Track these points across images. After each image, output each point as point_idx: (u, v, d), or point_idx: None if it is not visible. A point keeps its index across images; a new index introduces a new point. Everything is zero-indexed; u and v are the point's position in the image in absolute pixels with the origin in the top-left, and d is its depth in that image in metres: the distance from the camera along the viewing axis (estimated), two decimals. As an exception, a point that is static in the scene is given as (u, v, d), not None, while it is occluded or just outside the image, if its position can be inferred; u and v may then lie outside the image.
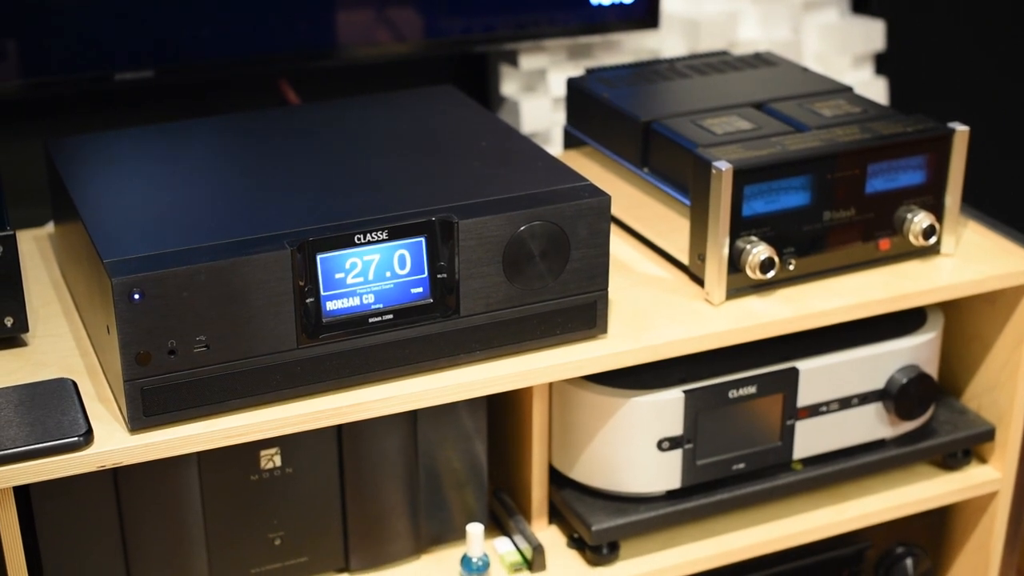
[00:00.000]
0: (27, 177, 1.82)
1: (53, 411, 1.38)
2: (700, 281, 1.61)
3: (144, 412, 1.36)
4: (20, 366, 1.49)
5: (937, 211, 1.67)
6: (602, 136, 1.79)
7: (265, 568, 1.56)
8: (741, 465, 1.64)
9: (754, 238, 1.58)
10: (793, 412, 1.64)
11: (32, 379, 1.45)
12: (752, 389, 1.61)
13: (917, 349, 1.69)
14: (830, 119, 1.68)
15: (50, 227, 1.82)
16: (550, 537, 1.66)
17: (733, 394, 1.60)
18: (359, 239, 1.39)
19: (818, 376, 1.64)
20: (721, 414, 1.61)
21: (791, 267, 1.61)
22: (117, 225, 1.42)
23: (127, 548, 1.48)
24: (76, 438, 1.34)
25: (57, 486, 1.42)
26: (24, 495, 1.43)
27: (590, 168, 1.80)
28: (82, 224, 1.43)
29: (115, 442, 1.36)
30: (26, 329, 1.51)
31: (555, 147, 2.07)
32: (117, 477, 1.44)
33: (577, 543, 1.64)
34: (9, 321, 1.49)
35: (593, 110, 1.80)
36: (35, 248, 1.77)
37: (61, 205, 1.59)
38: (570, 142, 1.87)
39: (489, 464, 1.63)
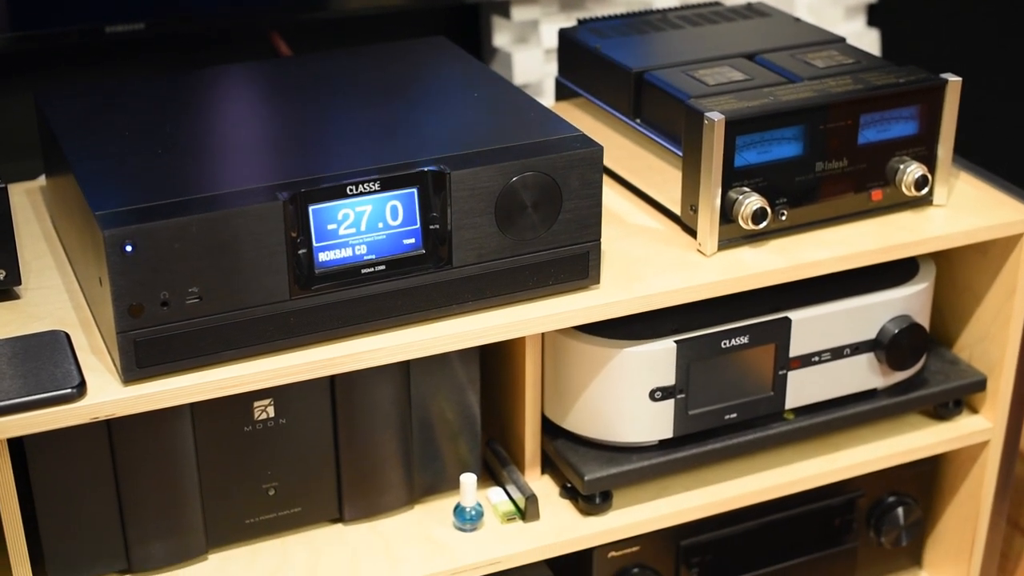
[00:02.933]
0: (18, 131, 1.81)
1: (46, 363, 1.38)
2: (692, 232, 1.61)
3: (137, 364, 1.36)
4: (12, 319, 1.49)
5: (929, 162, 1.67)
6: (594, 87, 1.79)
7: (259, 518, 1.56)
8: (733, 415, 1.65)
9: (746, 189, 1.58)
10: (785, 362, 1.65)
11: (25, 331, 1.45)
12: (744, 339, 1.61)
13: (909, 299, 1.69)
14: (822, 70, 1.68)
15: (42, 180, 1.81)
16: (543, 487, 1.66)
17: (725, 344, 1.61)
18: (351, 190, 1.39)
19: (810, 326, 1.64)
20: (713, 364, 1.61)
21: (783, 218, 1.61)
22: (108, 177, 1.42)
23: (121, 499, 1.48)
24: (69, 390, 1.34)
25: (51, 438, 1.42)
26: (18, 447, 1.43)
27: (582, 119, 1.80)
28: (73, 177, 1.43)
29: (108, 394, 1.36)
30: (18, 282, 1.51)
31: (547, 98, 2.07)
32: (111, 429, 1.45)
33: (570, 492, 1.65)
34: (1, 274, 1.49)
35: (585, 61, 1.80)
36: (27, 201, 1.77)
37: (52, 158, 1.59)
38: (562, 93, 1.87)
39: (482, 414, 1.63)
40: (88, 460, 1.46)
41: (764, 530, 1.79)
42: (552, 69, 2.09)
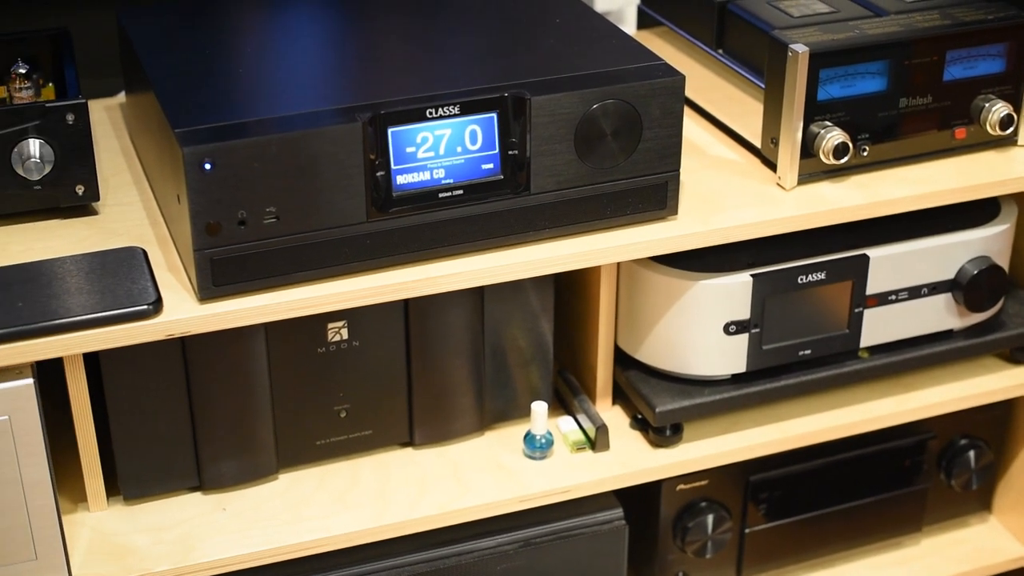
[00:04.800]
0: (99, 47, 1.81)
1: (123, 279, 1.39)
2: (772, 165, 1.60)
3: (213, 282, 1.36)
4: (91, 234, 1.50)
5: (1016, 101, 1.64)
6: (676, 16, 1.77)
7: (330, 440, 1.57)
8: (807, 351, 1.64)
9: (828, 123, 1.56)
10: (862, 300, 1.63)
11: (102, 247, 1.46)
12: (821, 275, 1.60)
13: (989, 240, 1.67)
14: (910, 4, 1.65)
15: (121, 97, 1.82)
16: (613, 417, 1.66)
17: (802, 280, 1.59)
18: (431, 113, 1.38)
19: (888, 264, 1.63)
20: (789, 299, 1.60)
21: (865, 153, 1.59)
22: (189, 95, 1.42)
23: (194, 417, 1.49)
24: (146, 306, 1.35)
25: (126, 354, 1.43)
26: (94, 363, 1.44)
27: (664, 48, 1.78)
28: (153, 94, 1.43)
29: (184, 311, 1.37)
30: (97, 198, 1.52)
31: (629, 27, 2.05)
32: (185, 346, 1.45)
33: (640, 424, 1.64)
34: (80, 189, 1.50)
35: (668, -10, 1.79)
36: (106, 118, 1.77)
37: (132, 75, 1.59)
38: (644, 22, 1.85)
39: (554, 343, 1.63)
40: (162, 377, 1.47)
41: (833, 468, 1.78)
42: (634, -3, 2.07)
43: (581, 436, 1.63)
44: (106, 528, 1.50)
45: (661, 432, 1.62)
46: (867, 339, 1.66)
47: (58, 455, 1.42)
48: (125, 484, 1.51)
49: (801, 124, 1.54)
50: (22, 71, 1.57)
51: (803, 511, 1.80)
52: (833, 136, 1.54)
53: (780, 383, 1.64)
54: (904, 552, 1.92)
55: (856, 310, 1.63)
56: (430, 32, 1.58)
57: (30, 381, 1.35)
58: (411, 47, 1.54)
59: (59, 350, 1.34)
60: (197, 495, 1.54)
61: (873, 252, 1.62)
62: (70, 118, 1.47)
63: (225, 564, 1.47)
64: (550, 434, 1.60)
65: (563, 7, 1.65)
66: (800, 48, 1.51)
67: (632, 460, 1.61)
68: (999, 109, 1.61)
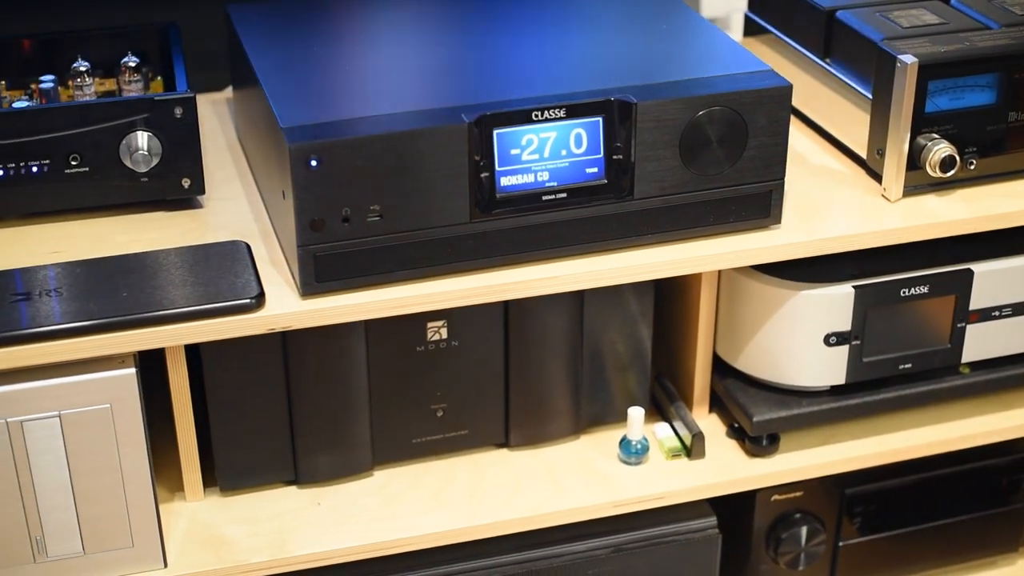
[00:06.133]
0: (206, 42, 1.83)
1: (226, 272, 1.40)
2: (877, 176, 1.58)
3: (316, 278, 1.37)
4: (195, 227, 1.51)
5: None
6: (783, 24, 1.76)
7: (426, 439, 1.57)
8: (908, 365, 1.62)
9: (935, 135, 1.54)
10: (964, 315, 1.61)
11: (206, 240, 1.47)
12: (924, 289, 1.58)
13: (1097, 257, 1.65)
14: (1020, 16, 1.63)
15: (227, 92, 1.83)
16: (709, 425, 1.65)
17: (904, 292, 1.58)
18: (536, 116, 1.38)
19: (993, 279, 1.61)
20: (891, 312, 1.59)
21: (972, 167, 1.57)
22: (296, 92, 1.43)
23: (292, 411, 1.50)
24: (248, 300, 1.36)
25: (227, 347, 1.44)
26: (195, 355, 1.45)
27: (770, 56, 1.77)
28: (261, 90, 1.44)
29: (286, 306, 1.38)
30: (202, 191, 1.53)
31: (735, 33, 2.04)
32: (286, 341, 1.46)
33: (737, 433, 1.64)
34: (186, 182, 1.52)
35: (776, -3, 1.78)
36: (212, 112, 1.79)
37: (240, 70, 1.60)
38: (750, 29, 1.84)
39: (652, 348, 1.62)
40: (262, 371, 1.48)
41: (930, 484, 1.77)
42: (740, 3, 2.05)
43: (677, 443, 1.62)
44: (202, 518, 1.51)
45: (758, 442, 1.61)
46: (968, 355, 1.64)
47: (156, 445, 1.44)
48: (222, 475, 1.52)
49: (908, 136, 1.53)
50: (132, 64, 1.60)
51: (898, 526, 1.78)
52: (940, 149, 1.53)
53: (879, 396, 1.63)
54: (1000, 572, 1.89)
55: (959, 325, 1.62)
56: (536, 33, 1.58)
57: (132, 371, 1.36)
58: (516, 48, 1.54)
59: (162, 341, 1.35)
60: (292, 488, 1.55)
61: (978, 267, 1.60)
62: (178, 112, 1.48)
63: (319, 558, 1.48)
64: (646, 440, 1.60)
65: (670, 12, 1.64)
66: (909, 59, 1.50)
67: (727, 469, 1.60)
68: (1111, 125, 1.59)
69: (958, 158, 1.53)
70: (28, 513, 1.39)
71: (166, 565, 1.46)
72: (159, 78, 1.65)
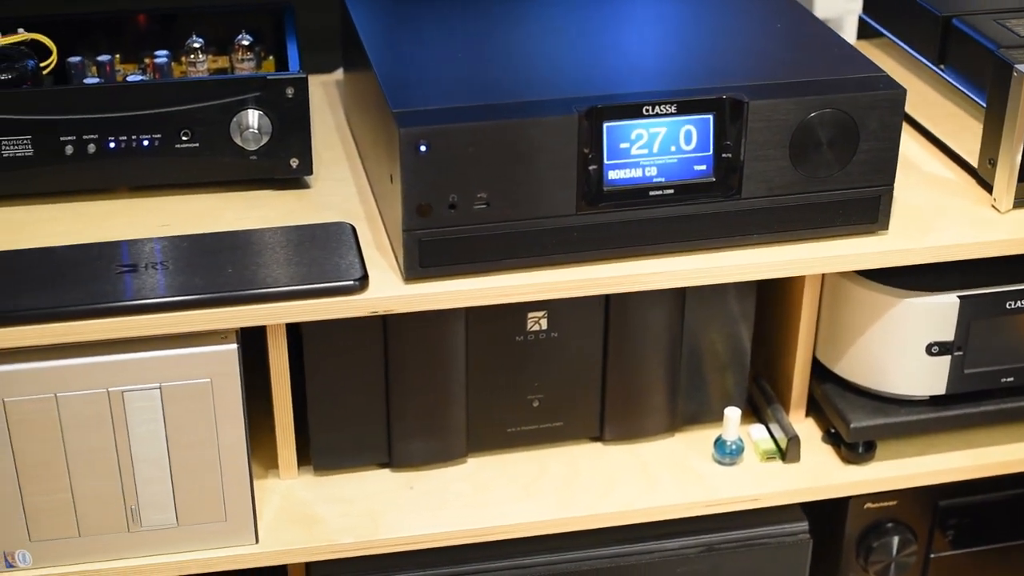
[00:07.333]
0: (319, 23, 1.84)
1: (331, 253, 1.41)
2: (988, 186, 1.56)
3: (420, 263, 1.37)
4: (302, 207, 1.52)
5: None
6: (898, 28, 1.74)
7: (521, 428, 1.57)
8: (1010, 378, 1.60)
9: (1050, 147, 1.52)
10: (1070, 330, 1.60)
11: (312, 221, 1.48)
12: (1031, 302, 1.57)
13: None
14: None
15: (338, 74, 1.84)
16: (805, 429, 1.64)
17: (1010, 305, 1.56)
18: (647, 111, 1.38)
19: (1102, 296, 1.59)
20: (995, 324, 1.57)
21: (1085, 180, 1.55)
22: (408, 76, 1.43)
23: (390, 395, 1.51)
24: (352, 282, 1.37)
25: (328, 327, 1.45)
26: (295, 334, 1.46)
27: (883, 60, 1.76)
28: (373, 73, 1.44)
29: (389, 289, 1.38)
30: (310, 171, 1.54)
31: (849, 36, 2.02)
32: (387, 324, 1.47)
33: (833, 438, 1.62)
34: (295, 163, 1.52)
35: (892, 0, 1.75)
36: (323, 94, 1.80)
37: (352, 53, 1.61)
38: (864, 32, 1.82)
39: (752, 349, 1.61)
40: (362, 353, 1.48)
41: (1025, 500, 1.75)
42: (855, 6, 2.04)
43: (772, 445, 1.61)
44: (295, 496, 1.52)
45: (854, 448, 1.59)
46: (1072, 371, 1.63)
47: (252, 422, 1.45)
48: (317, 455, 1.53)
49: (1022, 147, 1.51)
50: (245, 43, 1.61)
51: (991, 541, 1.76)
52: (1054, 161, 1.51)
53: (979, 409, 1.61)
54: (1092, 591, 1.87)
55: (1064, 340, 1.60)
56: (650, 28, 1.57)
57: (234, 346, 1.37)
58: (629, 42, 1.53)
59: (264, 318, 1.36)
60: (386, 472, 1.56)
61: (1087, 282, 1.58)
62: (289, 92, 1.49)
63: (410, 542, 1.48)
64: (741, 441, 1.59)
65: (784, 11, 1.63)
66: (1027, 69, 1.48)
67: (822, 474, 1.59)
68: None
69: (1072, 171, 1.52)
70: (125, 482, 1.41)
71: (257, 541, 1.47)
72: (271, 58, 1.66)
